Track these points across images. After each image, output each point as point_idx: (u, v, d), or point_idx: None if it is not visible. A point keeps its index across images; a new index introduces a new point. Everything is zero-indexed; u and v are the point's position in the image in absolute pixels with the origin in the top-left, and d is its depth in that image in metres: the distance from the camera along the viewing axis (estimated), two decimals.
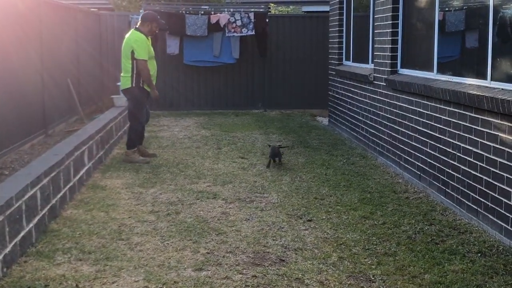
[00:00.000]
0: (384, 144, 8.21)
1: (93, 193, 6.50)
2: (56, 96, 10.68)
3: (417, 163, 6.97)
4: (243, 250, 4.74)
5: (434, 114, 6.46)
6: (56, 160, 5.87)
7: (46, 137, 9.93)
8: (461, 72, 6.22)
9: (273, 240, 4.99)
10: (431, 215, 5.77)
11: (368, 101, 8.99)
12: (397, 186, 6.96)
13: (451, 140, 6.04)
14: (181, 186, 6.86)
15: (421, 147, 6.84)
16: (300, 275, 4.24)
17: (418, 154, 6.94)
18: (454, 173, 5.98)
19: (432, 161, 6.54)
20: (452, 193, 6.00)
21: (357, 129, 9.67)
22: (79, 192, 6.51)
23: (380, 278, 4.21)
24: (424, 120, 6.75)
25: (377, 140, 8.53)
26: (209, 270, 4.34)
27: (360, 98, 9.46)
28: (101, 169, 7.67)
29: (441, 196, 6.26)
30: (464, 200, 5.75)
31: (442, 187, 6.26)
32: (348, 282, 4.13)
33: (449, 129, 6.09)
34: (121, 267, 4.40)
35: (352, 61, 10.53)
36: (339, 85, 11.02)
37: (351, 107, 10.07)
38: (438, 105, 6.35)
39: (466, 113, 5.69)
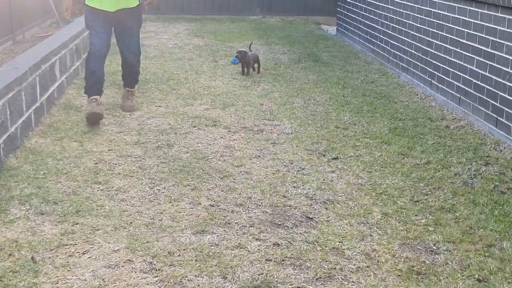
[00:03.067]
0: (411, 59, 6.99)
1: (65, 116, 5.31)
2: None
3: (457, 83, 5.79)
4: (257, 202, 3.65)
5: (487, 24, 5.21)
6: (16, 76, 4.62)
7: (14, 44, 8.56)
8: None
9: (294, 187, 3.89)
10: (483, 151, 4.68)
11: (391, 6, 7.67)
12: (431, 111, 5.82)
13: (509, 57, 4.85)
14: (172, 109, 5.67)
15: (464, 64, 5.64)
16: (337, 243, 3.17)
17: (459, 73, 5.75)
18: (510, 98, 4.83)
19: (478, 82, 5.37)
20: (508, 123, 4.88)
21: (374, 40, 8.39)
22: (49, 114, 5.31)
23: (445, 249, 3.14)
24: (471, 32, 5.50)
25: (401, 54, 7.29)
26: (215, 233, 3.25)
27: (379, 3, 8.11)
28: (77, 84, 6.42)
29: (490, 126, 5.15)
30: None
31: (492, 114, 5.13)
32: (404, 255, 3.06)
33: (508, 43, 4.87)
34: (96, 226, 3.30)
35: None
36: None
37: (366, 14, 8.73)
38: (494, 13, 5.09)
39: None
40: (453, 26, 5.87)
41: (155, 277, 2.82)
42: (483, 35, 5.27)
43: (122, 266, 2.91)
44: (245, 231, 3.27)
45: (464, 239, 3.24)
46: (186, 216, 3.46)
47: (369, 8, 8.63)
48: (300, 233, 3.26)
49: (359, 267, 2.94)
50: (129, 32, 5.48)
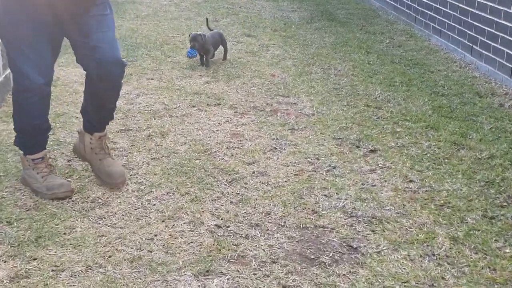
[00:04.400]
0: (445, 20, 5.97)
1: None
2: None
3: (508, 50, 4.81)
4: (279, 221, 2.73)
5: None
6: None
7: None
8: None
9: (325, 196, 2.96)
10: None
11: None
12: (477, 84, 4.85)
13: None
14: (167, 82, 4.70)
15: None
16: None
17: (511, 38, 4.77)
18: None
19: None
20: None
21: None
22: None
23: None
24: None
25: (432, 14, 6.27)
26: (224, 275, 2.34)
27: None
28: None
29: None
30: None
31: None
32: None
33: None
34: (61, 265, 2.38)
35: None
36: None
37: None
38: None
39: None
40: None
41: None
42: None
43: None
44: (266, 272, 2.36)
45: None
46: (184, 245, 2.54)
47: None
48: (344, 274, 2.35)
49: None
50: (100, 23, 2.76)
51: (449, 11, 5.87)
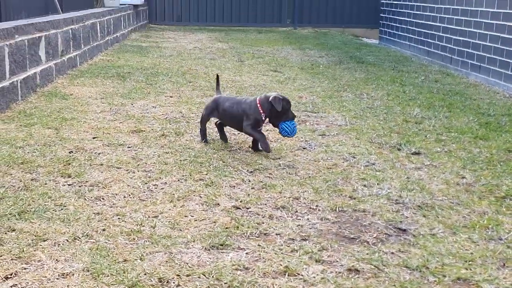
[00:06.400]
0: (484, 54, 5.63)
1: (45, 103, 4.03)
2: None
3: None
4: (310, 204, 2.27)
5: None
6: None
7: None
8: None
9: (365, 186, 2.51)
10: None
11: None
12: None
13: None
14: (187, 99, 4.37)
15: None
16: (463, 270, 1.77)
17: None
18: None
19: None
20: None
21: (430, 40, 7.05)
22: (24, 100, 4.04)
23: None
24: None
25: (470, 50, 5.94)
26: (243, 249, 1.88)
27: None
28: (71, 74, 5.17)
29: None
30: None
31: None
32: None
33: None
34: (43, 235, 1.96)
35: None
36: None
37: (421, 12, 7.42)
38: None
39: None
40: None
41: None
42: None
43: None
44: (295, 247, 1.89)
45: None
46: (195, 221, 2.10)
47: (423, 4, 7.32)
48: (392, 252, 1.87)
49: None
50: None
51: (489, 44, 5.53)
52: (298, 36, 10.09)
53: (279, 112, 2.86)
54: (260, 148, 2.96)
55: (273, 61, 6.76)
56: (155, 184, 2.50)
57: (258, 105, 2.90)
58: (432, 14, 6.98)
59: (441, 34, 6.71)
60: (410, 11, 7.78)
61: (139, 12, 9.78)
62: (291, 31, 10.90)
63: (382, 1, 9.14)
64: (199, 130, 3.20)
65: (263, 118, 2.90)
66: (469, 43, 5.96)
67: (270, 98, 2.86)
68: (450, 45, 6.44)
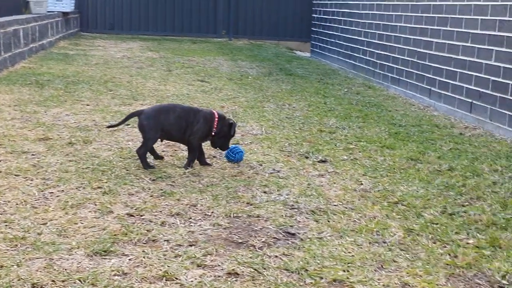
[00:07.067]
0: (403, 68, 5.81)
1: None
2: None
3: (467, 85, 4.60)
4: (206, 211, 2.28)
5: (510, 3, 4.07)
6: None
7: None
8: None
9: (265, 192, 2.54)
10: None
11: (377, 12, 6.55)
12: (436, 119, 4.59)
13: None
14: (104, 107, 4.31)
15: (478, 60, 4.46)
16: (340, 272, 1.81)
17: (470, 72, 4.57)
18: None
19: (499, 79, 4.19)
20: None
21: (355, 54, 7.23)
22: None
23: None
24: (487, 18, 4.36)
25: (391, 65, 6.12)
26: (126, 256, 1.87)
27: (362, 12, 7.00)
28: None
29: None
30: None
31: None
32: None
33: None
34: None
35: None
36: (328, 1, 8.52)
37: (347, 27, 7.60)
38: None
39: None
40: (460, 17, 4.73)
41: None
42: (507, 18, 4.12)
43: None
44: (180, 253, 1.89)
45: None
46: (83, 229, 2.07)
47: (349, 19, 7.51)
48: (276, 256, 1.90)
49: None
50: None
51: (407, 58, 5.72)
52: (232, 47, 10.15)
53: (227, 136, 2.85)
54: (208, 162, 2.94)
55: (202, 71, 6.77)
56: (51, 192, 2.45)
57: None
58: (357, 28, 7.16)
59: (365, 48, 6.90)
60: (338, 26, 7.96)
61: (69, 19, 9.61)
62: (226, 42, 10.95)
63: (314, 15, 9.33)
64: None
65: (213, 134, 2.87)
66: (390, 57, 6.15)
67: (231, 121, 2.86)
68: (373, 59, 6.63)
